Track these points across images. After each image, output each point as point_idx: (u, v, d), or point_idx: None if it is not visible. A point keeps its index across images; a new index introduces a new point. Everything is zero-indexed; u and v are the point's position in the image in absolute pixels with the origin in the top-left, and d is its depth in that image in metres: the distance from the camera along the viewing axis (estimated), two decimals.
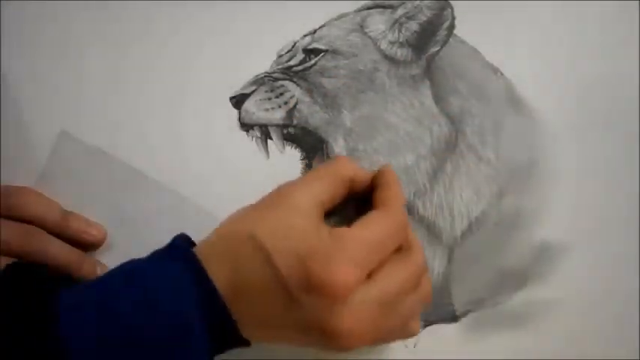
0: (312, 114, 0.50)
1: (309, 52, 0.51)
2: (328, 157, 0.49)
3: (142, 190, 0.49)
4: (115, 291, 0.35)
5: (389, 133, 0.50)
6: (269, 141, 0.50)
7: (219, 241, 0.38)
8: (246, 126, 0.50)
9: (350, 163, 0.41)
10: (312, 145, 0.50)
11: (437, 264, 0.50)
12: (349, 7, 0.52)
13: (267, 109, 0.49)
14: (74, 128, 0.49)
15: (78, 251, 0.46)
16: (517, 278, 0.50)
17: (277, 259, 0.35)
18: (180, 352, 0.35)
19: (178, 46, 0.51)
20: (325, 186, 0.39)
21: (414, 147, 0.50)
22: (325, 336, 0.36)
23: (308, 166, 0.51)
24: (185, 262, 0.36)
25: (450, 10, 0.50)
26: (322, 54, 0.50)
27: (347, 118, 0.50)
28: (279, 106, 0.49)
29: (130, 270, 0.37)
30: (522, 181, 0.50)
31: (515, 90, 0.51)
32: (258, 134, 0.50)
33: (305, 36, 0.52)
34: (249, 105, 0.49)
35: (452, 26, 0.51)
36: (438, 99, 0.50)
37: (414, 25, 0.50)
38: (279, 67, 0.51)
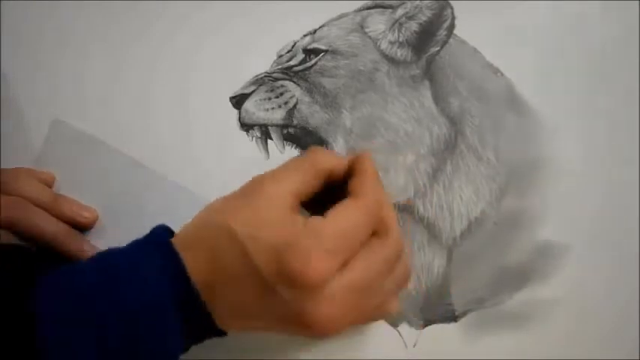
0: (312, 114, 0.50)
1: (309, 52, 0.51)
2: None
3: (135, 177, 0.49)
4: (89, 283, 0.35)
5: (389, 133, 0.50)
6: (269, 141, 0.50)
7: (196, 231, 0.38)
8: (246, 126, 0.50)
9: (326, 154, 0.41)
10: (312, 145, 0.50)
11: (436, 264, 0.50)
12: (349, 7, 0.52)
13: (267, 109, 0.49)
14: (73, 120, 0.49)
15: (65, 226, 0.46)
16: (517, 278, 0.49)
17: (252, 250, 0.36)
18: (152, 340, 0.35)
19: (178, 46, 0.51)
20: (301, 176, 0.39)
21: (413, 147, 0.50)
22: (302, 325, 0.36)
23: None
24: (161, 252, 0.37)
25: (450, 10, 0.50)
26: (322, 54, 0.50)
27: (347, 118, 0.50)
28: (279, 106, 0.49)
29: (106, 260, 0.37)
30: (522, 181, 0.50)
31: (515, 90, 0.51)
32: (258, 134, 0.50)
33: (305, 36, 0.52)
34: (249, 105, 0.50)
35: (452, 26, 0.51)
36: (438, 99, 0.50)
37: (414, 25, 0.50)
38: (279, 67, 0.51)
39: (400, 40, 0.51)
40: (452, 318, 0.50)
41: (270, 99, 0.49)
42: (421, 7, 0.50)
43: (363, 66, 0.50)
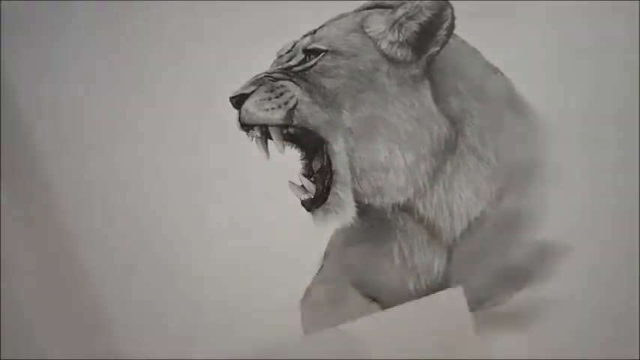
0: (312, 114, 0.50)
1: (309, 52, 0.51)
2: (328, 157, 0.49)
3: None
4: None
5: (389, 133, 0.50)
6: (269, 141, 0.50)
7: None
8: (246, 126, 0.50)
9: None
10: (312, 145, 0.50)
11: (436, 264, 0.50)
12: (349, 7, 0.52)
13: (267, 109, 0.49)
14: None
15: None
16: (517, 278, 0.49)
17: None
18: None
19: (178, 46, 0.51)
20: None
21: (413, 147, 0.50)
22: None
23: (308, 166, 0.51)
24: None
25: (450, 10, 0.50)
26: (322, 54, 0.50)
27: (347, 118, 0.50)
28: (279, 106, 0.49)
29: None
30: (522, 181, 0.50)
31: (515, 90, 0.51)
32: (258, 134, 0.50)
33: (305, 36, 0.52)
34: (249, 105, 0.49)
35: (452, 26, 0.50)
36: (438, 99, 0.50)
37: (414, 26, 0.50)
38: (279, 67, 0.51)
39: (400, 40, 0.51)
40: None
41: (270, 99, 0.49)
42: (421, 8, 0.50)
43: (363, 66, 0.50)
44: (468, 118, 0.50)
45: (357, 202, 0.49)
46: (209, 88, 0.51)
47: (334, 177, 0.49)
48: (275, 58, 0.52)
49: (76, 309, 0.49)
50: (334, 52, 0.50)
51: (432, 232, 0.50)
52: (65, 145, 0.50)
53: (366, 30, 0.51)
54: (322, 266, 0.50)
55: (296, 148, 0.51)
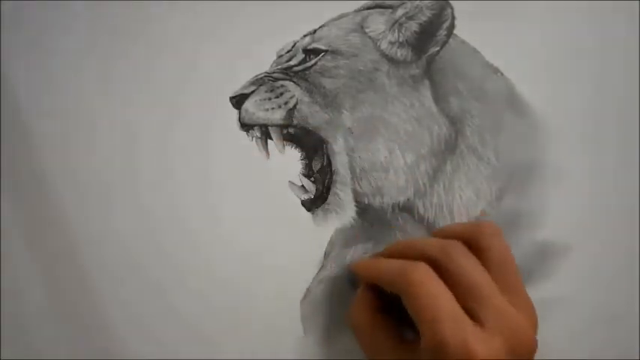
0: (312, 114, 0.50)
1: (309, 52, 0.51)
2: (328, 157, 0.49)
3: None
4: None
5: (389, 133, 0.50)
6: (269, 141, 0.50)
7: None
8: (246, 126, 0.50)
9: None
10: (312, 145, 0.50)
11: None
12: (349, 7, 0.52)
13: (267, 109, 0.49)
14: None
15: None
16: None
17: None
18: None
19: (178, 46, 0.51)
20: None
21: (413, 147, 0.50)
22: None
23: (308, 166, 0.51)
24: None
25: (450, 10, 0.50)
26: (322, 54, 0.50)
27: (347, 118, 0.50)
28: (279, 106, 0.49)
29: None
30: (522, 181, 0.50)
31: (515, 90, 0.51)
32: (258, 134, 0.50)
33: (305, 36, 0.52)
34: (249, 105, 0.49)
35: (452, 26, 0.51)
36: (438, 99, 0.50)
37: (413, 26, 0.50)
38: (279, 67, 0.51)
39: (400, 40, 0.51)
40: None
41: (270, 99, 0.49)
42: (421, 7, 0.50)
43: (363, 66, 0.50)
44: (468, 118, 0.50)
45: (357, 202, 0.49)
46: (209, 88, 0.50)
47: (334, 177, 0.49)
48: (275, 58, 0.52)
49: (79, 309, 0.49)
50: (334, 52, 0.50)
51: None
52: (66, 146, 0.50)
53: (366, 30, 0.51)
54: (322, 266, 0.50)
55: (296, 148, 0.51)
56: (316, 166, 0.50)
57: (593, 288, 0.50)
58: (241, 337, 0.48)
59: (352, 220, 0.49)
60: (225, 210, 0.50)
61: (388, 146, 0.49)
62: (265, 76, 0.50)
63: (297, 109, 0.49)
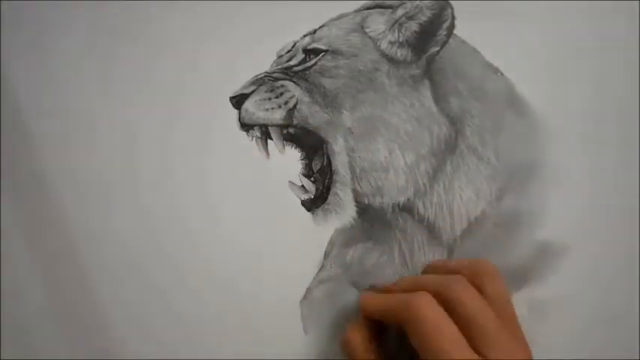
0: (312, 114, 0.50)
1: (309, 52, 0.51)
2: (328, 157, 0.49)
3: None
4: None
5: (389, 133, 0.50)
6: (269, 141, 0.50)
7: None
8: (246, 126, 0.50)
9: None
10: (312, 145, 0.50)
11: None
12: (349, 7, 0.52)
13: (267, 109, 0.49)
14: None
15: None
16: (517, 278, 0.49)
17: None
18: None
19: (178, 46, 0.51)
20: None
21: (413, 147, 0.50)
22: None
23: (308, 166, 0.51)
24: None
25: (450, 10, 0.50)
26: (322, 54, 0.50)
27: (347, 118, 0.50)
28: (279, 106, 0.49)
29: None
30: (522, 181, 0.50)
31: (515, 90, 0.51)
32: (258, 134, 0.50)
33: (305, 36, 0.52)
34: (249, 105, 0.49)
35: (452, 26, 0.50)
36: (438, 99, 0.50)
37: (413, 25, 0.50)
38: (279, 67, 0.51)
39: (400, 40, 0.51)
40: None
41: (270, 99, 0.49)
42: (421, 7, 0.50)
43: (363, 66, 0.50)
44: (468, 118, 0.50)
45: (357, 202, 0.49)
46: (209, 88, 0.51)
47: (334, 177, 0.49)
48: (275, 58, 0.52)
49: (79, 309, 0.49)
50: (334, 52, 0.50)
51: (432, 231, 0.50)
52: (66, 146, 0.50)
53: (366, 30, 0.51)
54: (322, 266, 0.50)
55: (296, 148, 0.51)
56: (316, 166, 0.50)
57: (593, 288, 0.50)
58: (241, 337, 0.48)
59: (352, 220, 0.49)
60: (225, 210, 0.50)
61: (388, 146, 0.49)
62: (265, 76, 0.50)
63: (297, 109, 0.49)
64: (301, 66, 0.50)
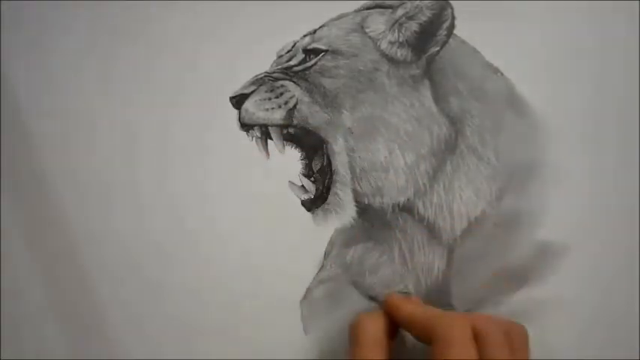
0: (312, 114, 0.50)
1: (309, 52, 0.51)
2: (328, 157, 0.49)
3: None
4: None
5: (389, 133, 0.50)
6: (269, 141, 0.50)
7: None
8: (246, 126, 0.50)
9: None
10: (312, 145, 0.50)
11: (437, 264, 0.50)
12: (349, 7, 0.52)
13: (267, 109, 0.49)
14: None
15: None
16: (517, 278, 0.49)
17: None
18: None
19: (178, 46, 0.51)
20: None
21: (413, 147, 0.50)
22: None
23: (308, 166, 0.51)
24: None
25: (450, 10, 0.50)
26: (322, 54, 0.50)
27: (347, 118, 0.50)
28: (279, 106, 0.49)
29: None
30: (522, 181, 0.50)
31: (515, 90, 0.51)
32: (258, 134, 0.50)
33: (305, 36, 0.52)
34: (249, 105, 0.49)
35: (452, 26, 0.50)
36: (438, 99, 0.50)
37: (413, 25, 0.50)
38: (279, 67, 0.51)
39: (400, 40, 0.51)
40: None
41: (270, 99, 0.49)
42: (421, 7, 0.50)
43: (363, 66, 0.50)
44: (468, 118, 0.50)
45: (357, 202, 0.49)
46: (209, 88, 0.51)
47: (334, 177, 0.49)
48: (275, 58, 0.52)
49: (78, 309, 0.49)
50: (334, 52, 0.50)
51: (433, 231, 0.50)
52: (66, 146, 0.50)
53: (366, 30, 0.51)
54: (322, 266, 0.50)
55: (296, 148, 0.51)
56: (316, 166, 0.50)
57: (593, 288, 0.50)
58: (241, 338, 0.48)
59: (352, 220, 0.49)
60: (225, 210, 0.50)
61: (388, 146, 0.49)
62: (265, 76, 0.50)
63: (297, 109, 0.49)
64: (301, 66, 0.50)
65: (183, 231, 0.49)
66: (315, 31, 0.52)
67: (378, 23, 0.51)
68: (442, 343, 0.39)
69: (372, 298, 0.50)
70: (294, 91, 0.50)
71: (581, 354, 0.49)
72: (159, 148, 0.50)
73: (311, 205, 0.50)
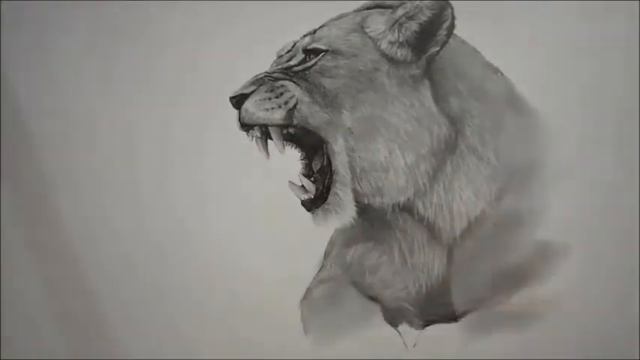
0: (312, 114, 0.49)
1: (309, 52, 0.51)
2: (328, 157, 0.49)
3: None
4: None
5: (389, 133, 0.50)
6: (269, 141, 0.50)
7: None
8: (246, 126, 0.50)
9: None
10: (312, 145, 0.50)
11: (437, 264, 0.50)
12: (349, 7, 0.52)
13: (267, 109, 0.49)
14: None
15: None
16: (517, 278, 0.50)
17: None
18: None
19: (178, 46, 0.51)
20: None
21: (414, 147, 0.50)
22: None
23: (308, 166, 0.51)
24: None
25: (450, 10, 0.50)
26: (322, 54, 0.50)
27: (347, 118, 0.50)
28: (279, 106, 0.49)
29: None
30: (522, 181, 0.50)
31: (515, 90, 0.51)
32: (258, 134, 0.50)
33: (305, 36, 0.52)
34: (249, 105, 0.49)
35: (452, 26, 0.50)
36: (438, 99, 0.50)
37: (414, 25, 0.50)
38: (279, 67, 0.51)
39: (400, 40, 0.51)
40: (452, 318, 0.50)
41: (270, 99, 0.49)
42: (421, 7, 0.50)
43: (363, 66, 0.50)
44: (468, 118, 0.50)
45: (357, 202, 0.49)
46: (209, 88, 0.51)
47: (334, 177, 0.49)
48: (275, 58, 0.52)
49: (77, 309, 0.49)
50: (334, 52, 0.50)
51: (432, 231, 0.50)
52: (66, 146, 0.50)
53: (366, 30, 0.51)
54: (322, 266, 0.50)
55: (296, 148, 0.51)
56: (316, 166, 0.50)
57: (593, 288, 0.50)
58: (241, 337, 0.48)
59: (352, 220, 0.49)
60: (224, 210, 0.50)
61: (388, 146, 0.49)
62: (265, 76, 0.50)
63: (297, 109, 0.49)
64: (301, 66, 0.50)
65: (182, 231, 0.49)
66: (315, 31, 0.52)
67: (378, 23, 0.51)
68: None
69: (372, 298, 0.50)
70: (294, 91, 0.50)
71: (582, 354, 0.49)
72: (159, 148, 0.50)
73: (311, 205, 0.50)
